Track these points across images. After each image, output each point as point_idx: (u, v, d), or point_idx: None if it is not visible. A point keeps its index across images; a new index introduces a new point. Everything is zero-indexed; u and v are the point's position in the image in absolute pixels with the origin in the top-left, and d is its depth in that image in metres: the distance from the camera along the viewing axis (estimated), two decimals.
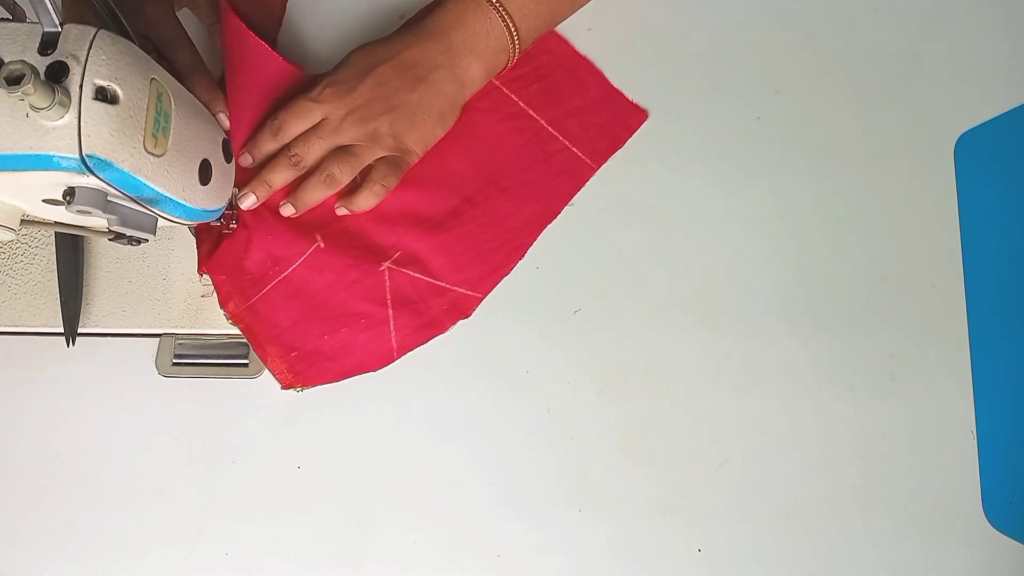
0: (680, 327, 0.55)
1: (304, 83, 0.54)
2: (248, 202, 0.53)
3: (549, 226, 0.56)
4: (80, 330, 0.54)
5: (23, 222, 0.42)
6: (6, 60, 0.34)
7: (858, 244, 0.56)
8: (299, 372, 0.53)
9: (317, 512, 0.52)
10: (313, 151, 0.52)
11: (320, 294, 0.54)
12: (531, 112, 0.57)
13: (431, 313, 0.54)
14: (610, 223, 0.56)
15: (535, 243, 0.56)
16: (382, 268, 0.54)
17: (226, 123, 0.53)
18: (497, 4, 0.53)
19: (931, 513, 0.51)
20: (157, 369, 0.54)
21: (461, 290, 0.55)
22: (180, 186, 0.43)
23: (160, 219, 0.44)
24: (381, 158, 0.54)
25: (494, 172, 0.56)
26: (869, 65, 0.59)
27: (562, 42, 0.58)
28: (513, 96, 0.57)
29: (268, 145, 0.53)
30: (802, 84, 0.59)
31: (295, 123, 0.52)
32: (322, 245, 0.54)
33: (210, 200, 0.47)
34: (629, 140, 0.58)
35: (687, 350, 0.54)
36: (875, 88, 0.59)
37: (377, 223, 0.55)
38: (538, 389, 0.54)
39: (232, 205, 0.53)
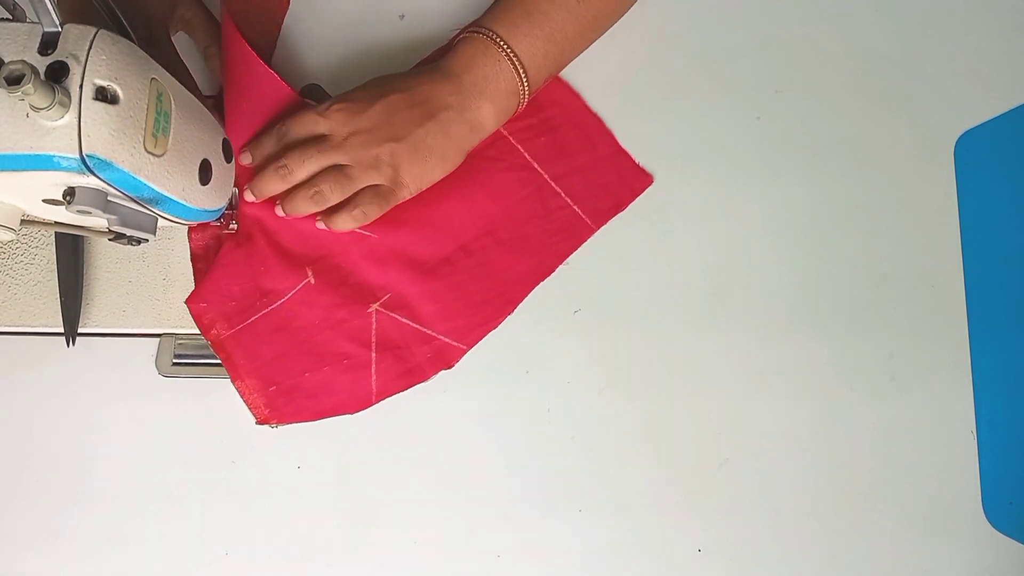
0: (680, 327, 0.55)
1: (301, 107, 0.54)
2: (248, 196, 0.53)
3: None
4: (80, 330, 0.54)
5: (23, 222, 0.42)
6: (6, 60, 0.34)
7: (858, 244, 0.56)
8: (276, 407, 0.52)
9: (317, 512, 0.52)
10: (306, 166, 0.51)
11: (306, 330, 0.53)
12: (536, 165, 0.56)
13: (414, 360, 0.54)
14: (610, 223, 0.56)
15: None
16: (370, 310, 0.54)
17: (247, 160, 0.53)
18: (505, 46, 0.52)
19: (931, 513, 0.51)
20: (157, 369, 0.54)
21: (447, 340, 0.54)
22: (180, 186, 0.43)
23: (160, 219, 0.44)
24: (372, 185, 0.52)
25: (492, 222, 0.55)
26: (869, 65, 0.59)
27: (574, 96, 0.57)
28: (519, 147, 0.56)
29: (269, 147, 0.53)
30: (802, 84, 0.59)
31: (298, 131, 0.52)
32: (312, 281, 0.54)
33: (210, 200, 0.47)
34: (629, 144, 0.58)
35: (687, 350, 0.54)
36: (875, 88, 0.59)
37: (370, 262, 0.54)
38: (538, 389, 0.54)
39: (232, 205, 0.53)
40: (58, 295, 0.54)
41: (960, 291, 0.55)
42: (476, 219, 0.55)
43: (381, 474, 0.53)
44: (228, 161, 0.49)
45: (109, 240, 0.44)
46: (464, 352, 0.54)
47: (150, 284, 0.55)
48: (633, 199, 0.56)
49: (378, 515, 0.52)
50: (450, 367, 0.54)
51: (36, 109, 0.34)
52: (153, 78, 0.40)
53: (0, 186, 0.38)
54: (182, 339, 0.54)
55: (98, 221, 0.41)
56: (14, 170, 0.36)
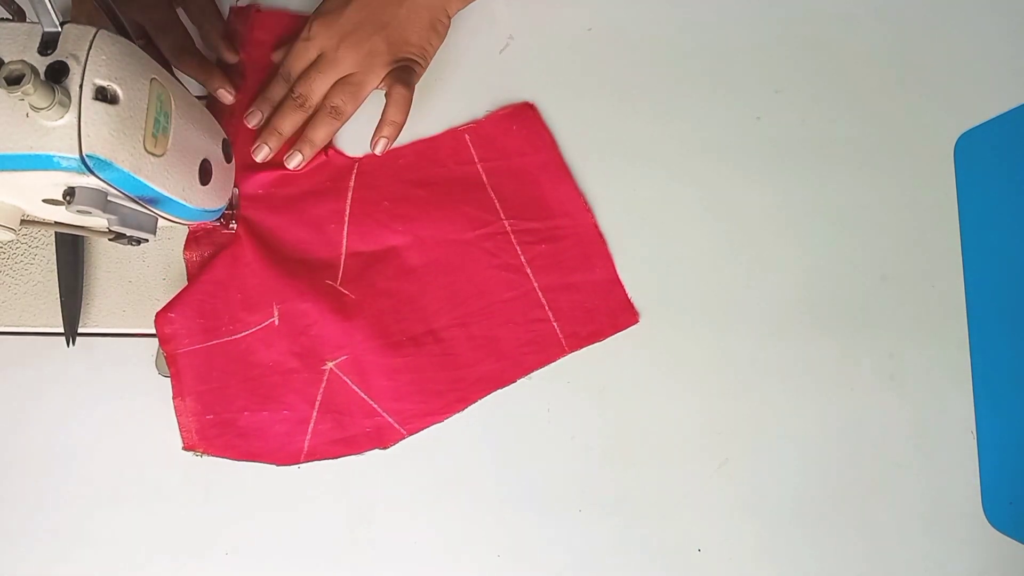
0: (679, 327, 0.55)
1: None
2: (262, 154, 0.54)
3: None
4: (80, 330, 0.54)
5: (23, 222, 0.42)
6: (6, 60, 0.34)
7: (858, 244, 0.56)
8: (207, 437, 0.52)
9: (317, 512, 0.52)
10: (315, 87, 0.52)
11: (258, 368, 0.53)
12: (528, 271, 0.55)
13: (353, 431, 0.52)
14: (609, 223, 0.56)
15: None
16: (324, 367, 0.53)
17: (227, 98, 0.54)
18: None
19: (931, 513, 0.51)
20: (157, 369, 0.54)
21: (390, 419, 0.53)
22: (180, 186, 0.43)
23: (160, 219, 0.44)
24: (390, 72, 0.53)
25: (468, 316, 0.54)
26: (869, 65, 0.59)
27: (586, 211, 0.56)
28: (518, 248, 0.55)
29: (279, 90, 0.54)
30: (802, 84, 0.59)
31: (296, 64, 0.53)
32: (277, 322, 0.53)
33: (210, 200, 0.47)
34: (629, 144, 0.57)
35: (687, 350, 0.54)
36: (875, 88, 0.59)
37: (338, 318, 0.53)
38: (538, 389, 0.54)
39: (232, 205, 0.53)
40: (58, 295, 0.54)
41: (960, 291, 0.55)
42: (454, 307, 0.54)
43: (381, 474, 0.53)
44: (228, 161, 0.49)
45: (109, 240, 0.44)
46: (402, 437, 0.53)
47: (150, 284, 0.55)
48: (613, 333, 0.54)
49: (378, 515, 0.52)
50: (385, 448, 0.52)
51: (36, 109, 0.35)
52: (153, 78, 0.40)
53: (0, 186, 0.38)
54: None
55: (98, 221, 0.41)
56: (14, 170, 0.36)
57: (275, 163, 0.55)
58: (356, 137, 0.56)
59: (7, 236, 0.41)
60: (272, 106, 0.54)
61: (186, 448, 0.52)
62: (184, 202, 0.43)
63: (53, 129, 0.36)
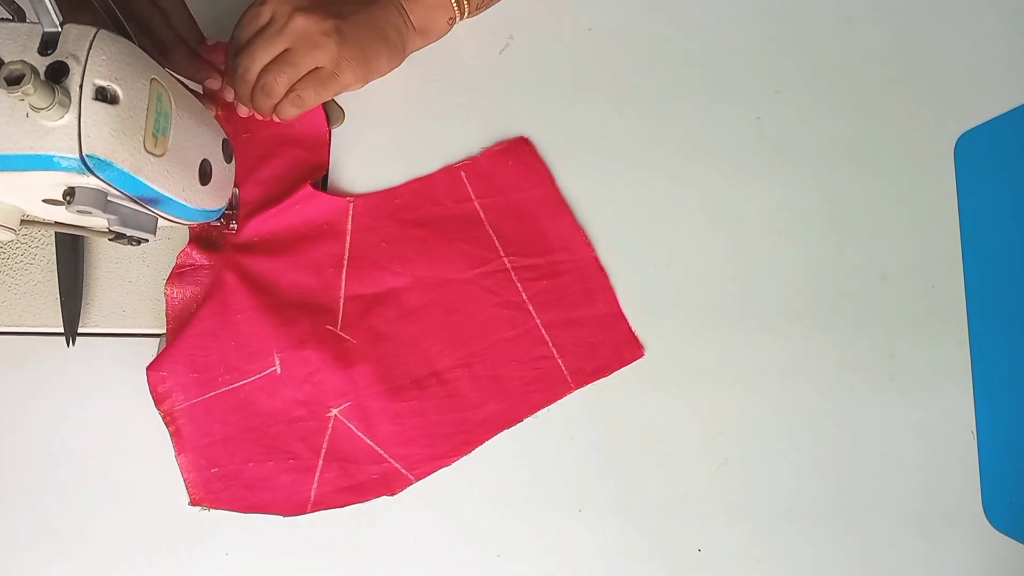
0: (679, 326, 0.55)
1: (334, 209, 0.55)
2: (242, 112, 0.53)
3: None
4: (80, 330, 0.54)
5: (23, 222, 0.42)
6: (6, 60, 0.34)
7: (858, 244, 0.56)
8: (212, 491, 0.51)
9: (317, 512, 0.52)
10: (257, 58, 0.50)
11: (260, 418, 0.52)
12: (530, 307, 0.54)
13: (360, 478, 0.52)
14: (609, 223, 0.56)
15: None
16: (329, 414, 0.52)
17: (214, 85, 0.53)
18: None
19: (931, 513, 0.51)
20: None
21: (397, 465, 0.52)
22: (180, 186, 0.43)
23: (160, 219, 0.44)
24: (312, 71, 0.51)
25: (472, 356, 0.53)
26: (869, 65, 0.59)
27: (586, 246, 0.55)
28: (519, 285, 0.54)
29: (231, 59, 0.52)
30: (802, 84, 0.59)
31: (247, 28, 0.51)
32: (279, 371, 0.52)
33: (210, 200, 0.47)
34: (629, 144, 0.57)
35: (686, 349, 0.54)
36: (875, 88, 0.59)
37: (340, 364, 0.52)
38: None
39: (232, 205, 0.53)
40: (58, 295, 0.54)
41: (960, 291, 0.55)
42: (457, 348, 0.54)
43: None
44: (228, 161, 0.49)
45: (109, 240, 0.44)
46: (410, 483, 0.52)
47: (150, 284, 0.55)
48: (619, 367, 0.53)
49: (378, 515, 0.52)
50: (393, 494, 0.52)
51: (36, 109, 0.35)
52: (153, 78, 0.40)
53: (0, 186, 0.38)
54: None
55: (98, 221, 0.41)
56: (14, 170, 0.36)
57: (269, 206, 0.54)
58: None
59: (7, 236, 0.41)
60: (231, 72, 0.52)
61: (192, 503, 0.51)
62: (184, 202, 0.43)
63: (53, 129, 0.36)
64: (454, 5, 0.54)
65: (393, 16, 0.53)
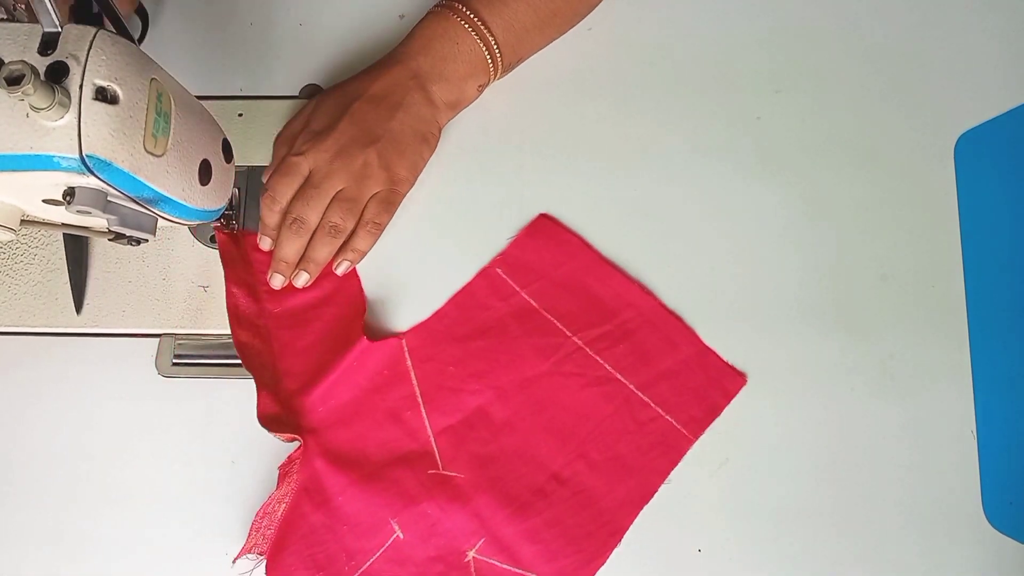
0: None
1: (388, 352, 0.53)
2: (277, 282, 0.53)
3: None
4: (80, 330, 0.54)
5: (23, 222, 0.42)
6: (6, 60, 0.34)
7: (858, 244, 0.56)
8: None
9: None
10: (313, 208, 0.52)
11: None
12: (619, 375, 0.52)
13: None
14: (610, 223, 0.56)
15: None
16: (467, 559, 0.49)
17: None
18: (472, 18, 0.52)
19: (931, 513, 0.51)
20: (157, 369, 0.54)
21: None
22: (180, 186, 0.43)
23: (160, 219, 0.44)
24: (372, 196, 0.53)
25: (582, 444, 0.51)
26: (869, 65, 0.59)
27: (647, 296, 0.54)
28: (598, 358, 0.53)
29: (272, 217, 0.53)
30: (802, 84, 0.59)
31: (286, 183, 0.52)
32: (401, 536, 0.50)
33: (210, 200, 0.47)
34: (629, 144, 0.57)
35: None
36: (875, 88, 0.59)
37: (458, 505, 0.50)
38: None
39: (232, 205, 0.53)
40: (67, 278, 0.54)
41: (960, 291, 0.55)
42: (564, 443, 0.51)
43: None
44: (228, 161, 0.49)
45: (109, 240, 0.44)
46: None
47: (150, 284, 0.55)
48: (728, 402, 0.52)
49: None
50: None
51: (36, 109, 0.35)
52: (153, 78, 0.40)
53: (0, 186, 0.38)
54: (182, 339, 0.54)
55: (98, 221, 0.41)
56: (14, 170, 0.36)
57: (325, 373, 0.52)
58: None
59: (7, 236, 0.40)
60: (275, 233, 0.53)
61: None
62: (184, 202, 0.43)
63: (53, 129, 0.36)
64: (489, 65, 0.54)
65: (423, 110, 0.53)
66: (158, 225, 0.45)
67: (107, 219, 0.40)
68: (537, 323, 0.54)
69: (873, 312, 0.55)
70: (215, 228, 0.54)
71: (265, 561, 0.49)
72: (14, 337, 0.55)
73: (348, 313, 0.54)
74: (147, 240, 0.45)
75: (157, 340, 0.54)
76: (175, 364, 0.54)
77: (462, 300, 0.55)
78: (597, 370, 0.53)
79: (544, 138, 0.58)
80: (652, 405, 0.52)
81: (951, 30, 0.60)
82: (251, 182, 0.56)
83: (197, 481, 0.52)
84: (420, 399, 0.53)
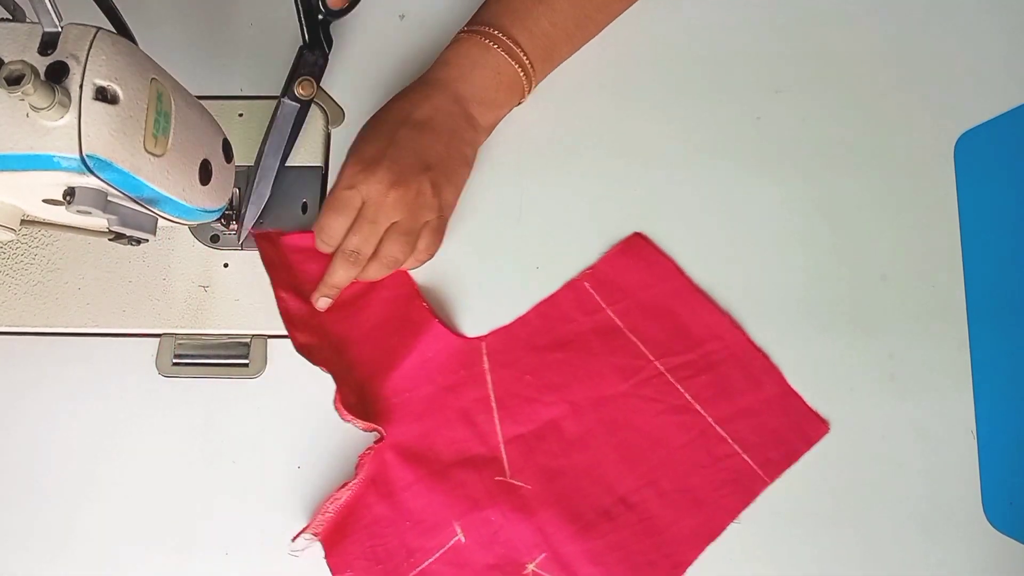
0: None
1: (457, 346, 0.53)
2: (322, 304, 0.53)
3: (554, 225, 0.55)
4: (80, 330, 0.54)
5: (23, 222, 0.42)
6: (6, 60, 0.34)
7: (858, 244, 0.56)
8: None
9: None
10: (370, 241, 0.51)
11: None
12: (697, 406, 0.51)
13: None
14: (610, 223, 0.56)
15: (541, 255, 0.55)
16: (526, 572, 0.49)
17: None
18: (506, 41, 0.52)
19: (931, 513, 0.51)
20: (157, 369, 0.54)
21: None
22: (180, 186, 0.43)
23: (160, 219, 0.44)
24: (424, 224, 0.52)
25: (653, 471, 0.50)
26: (869, 65, 0.59)
27: (735, 330, 0.53)
28: (679, 386, 0.51)
29: (327, 251, 0.53)
30: (802, 84, 0.59)
31: (340, 222, 0.51)
32: (463, 539, 0.49)
33: (210, 200, 0.47)
34: (629, 144, 0.57)
35: None
36: (875, 88, 0.59)
37: (522, 516, 0.49)
38: None
39: (232, 205, 0.53)
40: (67, 277, 0.54)
41: (960, 291, 0.55)
42: (635, 467, 0.50)
43: None
44: (228, 161, 0.49)
45: (109, 240, 0.44)
46: None
47: (150, 284, 0.55)
48: (807, 448, 0.51)
49: None
50: None
51: (36, 109, 0.35)
52: (153, 78, 0.40)
53: (0, 186, 0.38)
54: (182, 339, 0.54)
55: (98, 221, 0.41)
56: (14, 170, 0.36)
57: (394, 356, 0.53)
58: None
59: (7, 236, 0.41)
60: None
61: None
62: (184, 202, 0.43)
63: (53, 129, 0.36)
64: (524, 85, 0.54)
65: (467, 134, 0.53)
66: (158, 225, 0.45)
67: (107, 219, 0.40)
68: (620, 342, 0.53)
69: (873, 312, 0.55)
70: (253, 234, 0.54)
71: (320, 543, 0.49)
72: (14, 337, 0.55)
73: (400, 293, 0.54)
74: (147, 240, 0.45)
75: (157, 340, 0.54)
76: (175, 364, 0.54)
77: (546, 310, 0.54)
78: (676, 398, 0.51)
79: (545, 137, 0.58)
80: (729, 441, 0.51)
81: (951, 30, 0.60)
82: (251, 182, 0.56)
83: (197, 481, 0.52)
84: (494, 404, 0.52)
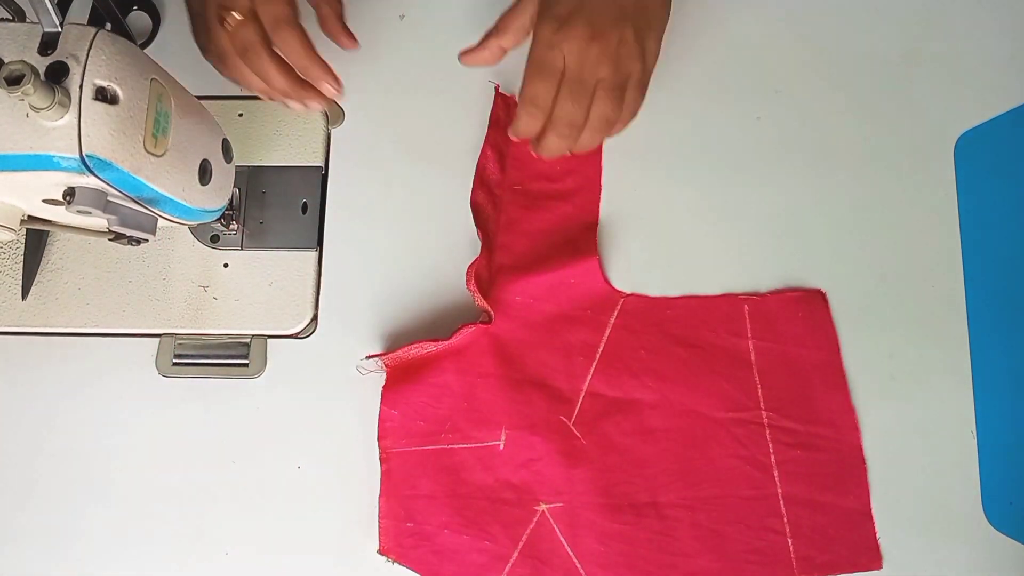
0: None
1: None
2: (521, 125, 0.48)
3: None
4: (80, 330, 0.54)
5: (23, 222, 0.42)
6: (6, 60, 0.34)
7: (858, 244, 0.56)
8: (403, 547, 0.49)
9: (317, 512, 0.52)
10: (581, 104, 0.46)
11: (468, 487, 0.50)
12: (776, 474, 0.50)
13: None
14: (610, 222, 0.56)
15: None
16: (538, 508, 0.50)
17: (330, 92, 0.48)
18: None
19: (931, 513, 0.51)
20: (157, 369, 0.54)
21: None
22: (180, 186, 0.43)
23: (160, 219, 0.44)
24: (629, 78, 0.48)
25: (698, 501, 0.50)
26: (869, 65, 0.59)
27: (853, 429, 0.51)
28: (771, 445, 0.51)
29: (536, 125, 0.48)
30: (802, 84, 0.59)
31: (546, 86, 0.47)
32: (501, 447, 0.51)
33: (210, 200, 0.47)
34: (628, 144, 0.57)
35: None
36: (875, 88, 0.59)
37: (563, 459, 0.50)
38: None
39: (232, 205, 0.53)
40: (67, 277, 0.53)
41: (960, 291, 0.55)
42: (686, 486, 0.50)
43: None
44: (228, 161, 0.49)
45: (109, 240, 0.44)
46: None
47: (150, 284, 0.55)
48: (852, 572, 0.49)
49: (378, 515, 0.52)
50: None
51: (36, 109, 0.35)
52: (153, 78, 0.40)
53: (0, 186, 0.38)
54: (182, 339, 0.54)
55: (98, 221, 0.41)
56: (14, 170, 0.36)
57: (540, 265, 0.53)
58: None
59: (7, 236, 0.41)
60: (538, 128, 0.48)
61: (380, 552, 0.49)
62: (184, 202, 0.44)
63: (53, 129, 0.36)
64: None
65: None
66: (158, 225, 0.45)
67: (107, 219, 0.40)
68: (742, 375, 0.52)
69: (873, 312, 0.55)
70: (497, 87, 0.54)
71: (385, 372, 0.51)
72: (14, 337, 0.55)
73: (582, 217, 0.55)
74: (147, 240, 0.45)
75: (157, 340, 0.54)
76: (175, 364, 0.54)
77: (695, 306, 0.54)
78: (762, 454, 0.51)
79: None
80: (784, 520, 0.50)
81: (951, 30, 0.59)
82: (251, 182, 0.56)
83: (197, 481, 0.52)
84: (598, 355, 0.52)
